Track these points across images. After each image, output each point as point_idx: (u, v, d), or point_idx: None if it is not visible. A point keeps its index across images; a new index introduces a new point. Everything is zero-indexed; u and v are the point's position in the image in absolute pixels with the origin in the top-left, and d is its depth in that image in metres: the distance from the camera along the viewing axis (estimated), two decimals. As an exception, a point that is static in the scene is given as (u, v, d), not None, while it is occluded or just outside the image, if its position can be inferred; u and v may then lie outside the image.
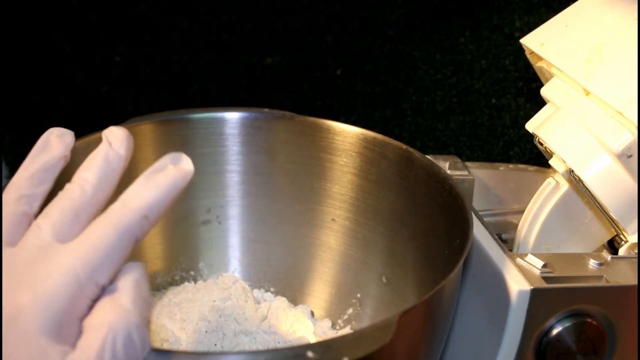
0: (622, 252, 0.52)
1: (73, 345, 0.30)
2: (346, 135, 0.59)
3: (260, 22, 0.86)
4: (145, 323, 0.31)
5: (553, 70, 0.56)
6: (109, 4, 0.84)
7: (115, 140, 0.35)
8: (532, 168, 0.68)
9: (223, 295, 0.58)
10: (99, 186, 0.33)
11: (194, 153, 0.61)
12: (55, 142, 0.35)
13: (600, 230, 0.56)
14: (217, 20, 0.86)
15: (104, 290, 0.31)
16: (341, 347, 0.35)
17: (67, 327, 0.30)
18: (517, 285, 0.47)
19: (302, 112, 0.62)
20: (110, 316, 0.30)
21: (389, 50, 0.87)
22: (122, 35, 0.85)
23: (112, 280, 0.32)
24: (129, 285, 0.32)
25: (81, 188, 0.33)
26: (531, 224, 0.56)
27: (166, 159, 0.34)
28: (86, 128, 0.57)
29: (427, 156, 0.57)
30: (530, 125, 0.57)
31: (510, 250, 0.54)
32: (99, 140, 0.35)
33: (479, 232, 0.54)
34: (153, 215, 0.33)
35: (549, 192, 0.55)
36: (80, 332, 0.30)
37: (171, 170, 0.33)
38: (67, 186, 0.34)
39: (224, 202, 0.63)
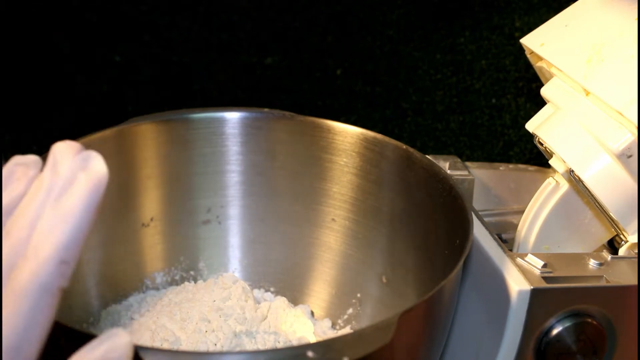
0: (622, 252, 0.52)
1: None
2: (346, 135, 0.59)
3: (260, 22, 0.86)
4: None
5: (553, 70, 0.56)
6: (109, 4, 0.84)
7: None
8: (532, 168, 0.68)
9: (223, 295, 0.58)
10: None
11: (194, 153, 0.61)
12: (18, 175, 0.30)
13: (600, 230, 0.56)
14: (217, 20, 0.86)
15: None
16: (341, 347, 0.35)
17: None
18: (517, 285, 0.47)
19: (302, 112, 0.62)
20: None
21: (389, 50, 0.87)
22: (122, 35, 0.85)
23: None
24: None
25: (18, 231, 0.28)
26: (531, 224, 0.56)
27: (74, 162, 0.28)
28: (86, 128, 0.57)
29: (427, 156, 0.57)
30: (530, 125, 0.57)
31: (510, 250, 0.54)
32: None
33: (479, 232, 0.54)
34: (72, 254, 0.27)
35: (549, 192, 0.55)
36: None
37: (80, 186, 0.28)
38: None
39: (224, 202, 0.63)
